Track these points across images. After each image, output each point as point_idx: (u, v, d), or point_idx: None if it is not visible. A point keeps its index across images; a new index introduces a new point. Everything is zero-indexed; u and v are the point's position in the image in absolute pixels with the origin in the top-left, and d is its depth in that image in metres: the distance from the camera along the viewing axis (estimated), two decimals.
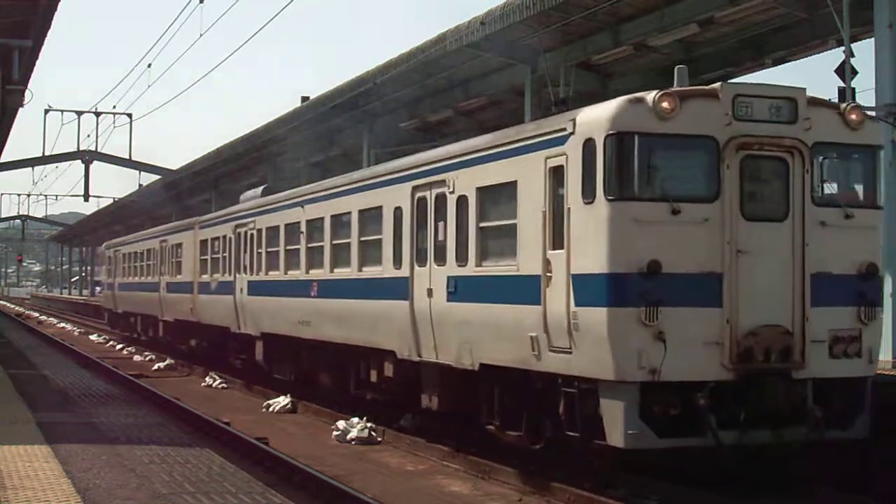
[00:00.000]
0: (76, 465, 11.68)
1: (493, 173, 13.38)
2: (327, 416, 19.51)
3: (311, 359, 20.73)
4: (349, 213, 18.09)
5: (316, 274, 19.58)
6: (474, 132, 22.76)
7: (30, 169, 54.52)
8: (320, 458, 15.41)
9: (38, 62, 22.56)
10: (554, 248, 11.71)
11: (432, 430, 16.25)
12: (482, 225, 13.60)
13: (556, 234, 11.72)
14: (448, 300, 14.28)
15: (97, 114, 47.92)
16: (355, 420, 17.46)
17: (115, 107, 51.89)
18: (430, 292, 14.72)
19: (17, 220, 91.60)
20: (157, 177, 52.01)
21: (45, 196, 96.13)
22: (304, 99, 30.85)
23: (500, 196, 13.30)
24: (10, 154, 71.15)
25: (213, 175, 43.75)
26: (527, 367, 12.36)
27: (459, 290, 13.99)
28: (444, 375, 14.59)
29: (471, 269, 13.74)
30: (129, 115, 48.15)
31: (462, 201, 13.98)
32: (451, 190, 14.28)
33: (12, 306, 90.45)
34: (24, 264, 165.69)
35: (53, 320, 64.69)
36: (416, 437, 16.48)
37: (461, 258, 13.95)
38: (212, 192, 47.14)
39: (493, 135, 14.05)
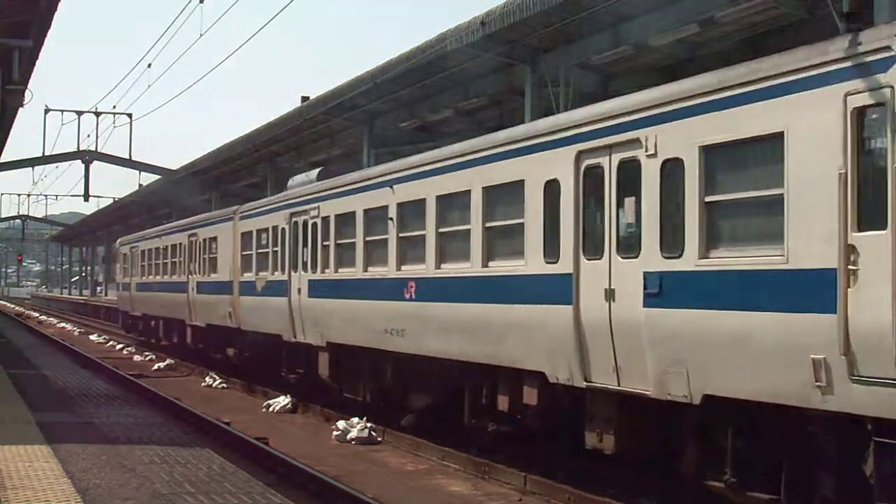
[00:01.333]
0: (76, 465, 11.68)
1: (733, 124, 9.61)
2: (327, 416, 19.52)
3: (399, 377, 17.06)
4: (466, 191, 14.24)
5: (413, 271, 15.83)
6: (474, 132, 22.78)
7: (30, 169, 54.45)
8: (320, 458, 15.42)
9: (38, 62, 22.56)
10: (862, 229, 8.31)
11: (432, 430, 16.25)
12: (712, 199, 9.88)
13: (868, 207, 8.31)
14: (646, 305, 10.55)
15: (97, 114, 47.80)
16: (355, 420, 17.46)
17: (115, 107, 51.75)
18: (608, 294, 11.15)
19: (17, 220, 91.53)
20: (157, 177, 51.95)
21: (45, 196, 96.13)
22: (304, 99, 30.80)
23: (745, 155, 9.62)
24: (10, 154, 71.22)
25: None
26: (803, 403, 8.79)
27: (667, 291, 10.28)
28: (629, 408, 11.27)
29: (689, 262, 10.01)
30: (129, 115, 48.09)
31: (671, 168, 10.38)
32: (649, 152, 10.67)
33: (12, 306, 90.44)
34: (24, 264, 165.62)
35: (53, 320, 64.69)
36: (416, 437, 16.48)
37: (671, 246, 10.29)
38: (212, 192, 47.10)
39: (733, 69, 10.11)
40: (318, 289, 19.69)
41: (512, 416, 13.60)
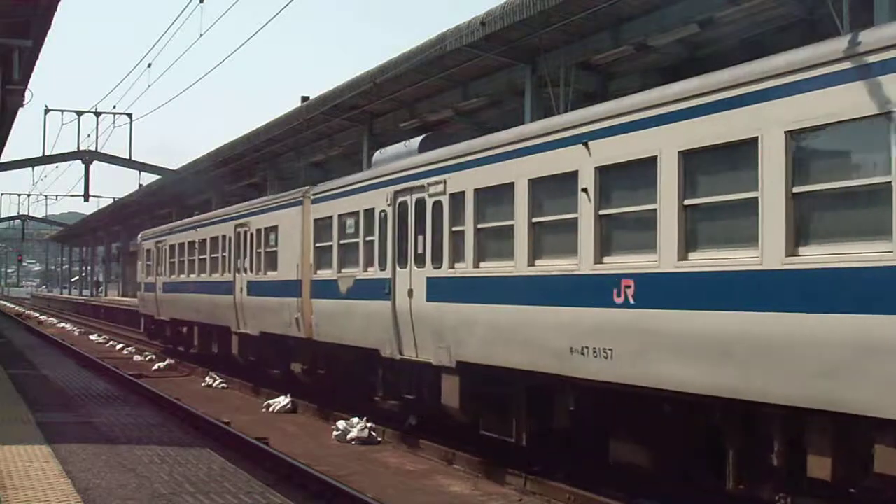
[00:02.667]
0: (76, 465, 11.68)
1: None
2: (327, 416, 19.52)
3: (588, 414, 12.34)
4: (753, 139, 9.39)
5: (628, 264, 11.06)
6: (474, 132, 22.78)
7: (30, 169, 54.52)
8: (320, 458, 15.43)
9: (38, 62, 22.55)
10: None
11: (432, 431, 16.25)
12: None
13: None
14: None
15: (97, 114, 47.96)
16: (355, 420, 17.46)
17: (115, 107, 51.88)
18: None
19: (17, 220, 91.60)
20: (157, 176, 52.00)
21: (45, 196, 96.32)
22: (304, 99, 30.81)
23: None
24: (10, 154, 71.25)
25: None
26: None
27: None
28: None
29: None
30: (129, 115, 48.19)
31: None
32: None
33: (12, 306, 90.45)
34: (24, 264, 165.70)
35: (53, 320, 64.69)
36: (416, 437, 16.48)
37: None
38: (213, 192, 47.12)
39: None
40: (444, 290, 14.73)
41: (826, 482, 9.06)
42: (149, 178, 52.91)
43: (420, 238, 15.67)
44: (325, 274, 19.45)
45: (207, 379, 26.70)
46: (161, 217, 62.32)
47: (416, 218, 15.77)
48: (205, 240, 28.75)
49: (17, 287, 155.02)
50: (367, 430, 17.13)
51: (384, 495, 12.54)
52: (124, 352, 37.45)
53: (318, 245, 19.98)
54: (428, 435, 16.19)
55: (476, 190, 14.12)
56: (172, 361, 31.82)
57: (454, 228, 14.62)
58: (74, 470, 11.30)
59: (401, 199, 16.38)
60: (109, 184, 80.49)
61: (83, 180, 49.22)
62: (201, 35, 24.23)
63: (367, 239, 17.59)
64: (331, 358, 19.77)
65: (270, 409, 21.24)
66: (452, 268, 14.62)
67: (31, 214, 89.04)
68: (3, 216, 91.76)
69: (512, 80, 21.73)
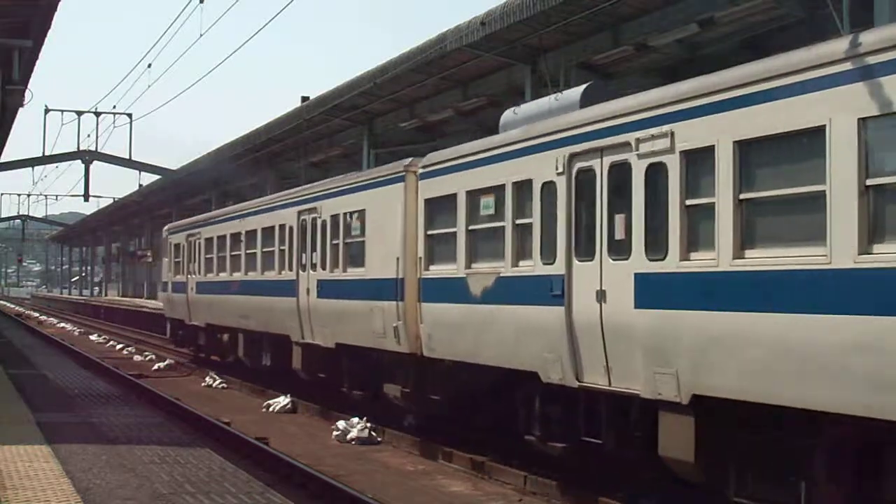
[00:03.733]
0: (76, 465, 11.68)
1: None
2: (327, 416, 19.51)
3: None
4: None
5: None
6: (474, 132, 22.79)
7: (30, 169, 54.59)
8: (320, 458, 15.43)
9: (38, 62, 22.57)
10: None
11: (432, 431, 16.25)
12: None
13: None
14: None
15: (97, 114, 48.04)
16: (355, 420, 17.46)
17: (115, 107, 51.93)
18: None
19: (17, 220, 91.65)
20: (157, 176, 52.05)
21: (45, 196, 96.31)
22: (304, 99, 30.83)
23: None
24: (10, 154, 71.27)
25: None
26: None
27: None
28: None
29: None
30: (129, 115, 48.25)
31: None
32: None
33: (12, 306, 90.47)
34: (24, 264, 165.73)
35: (53, 320, 64.69)
36: (416, 437, 16.49)
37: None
38: (212, 191, 47.12)
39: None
40: (674, 291, 10.38)
41: None
42: (148, 178, 53.04)
43: (620, 218, 11.20)
44: (442, 270, 15.05)
45: (207, 379, 26.69)
46: (161, 217, 62.47)
47: (611, 189, 11.37)
48: (254, 231, 24.08)
49: (17, 287, 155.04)
50: (367, 430, 17.12)
51: (384, 495, 12.54)
52: (124, 352, 37.44)
53: (430, 233, 15.56)
54: (428, 435, 16.19)
55: (740, 143, 9.53)
56: (172, 361, 31.80)
57: (691, 202, 10.19)
58: (74, 470, 11.29)
59: (581, 164, 11.81)
60: (109, 184, 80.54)
61: (83, 180, 49.28)
62: (201, 35, 24.25)
63: (520, 222, 13.04)
64: (451, 381, 15.21)
65: (270, 409, 21.24)
66: (687, 259, 10.19)
67: (31, 214, 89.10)
68: (3, 216, 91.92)
69: (512, 80, 21.74)
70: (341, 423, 17.48)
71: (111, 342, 42.91)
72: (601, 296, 11.32)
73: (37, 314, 74.24)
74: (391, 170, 17.19)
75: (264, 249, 23.33)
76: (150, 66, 34.83)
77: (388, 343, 16.49)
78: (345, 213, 18.70)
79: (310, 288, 19.97)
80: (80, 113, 48.26)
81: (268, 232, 23.06)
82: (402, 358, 16.26)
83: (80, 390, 21.02)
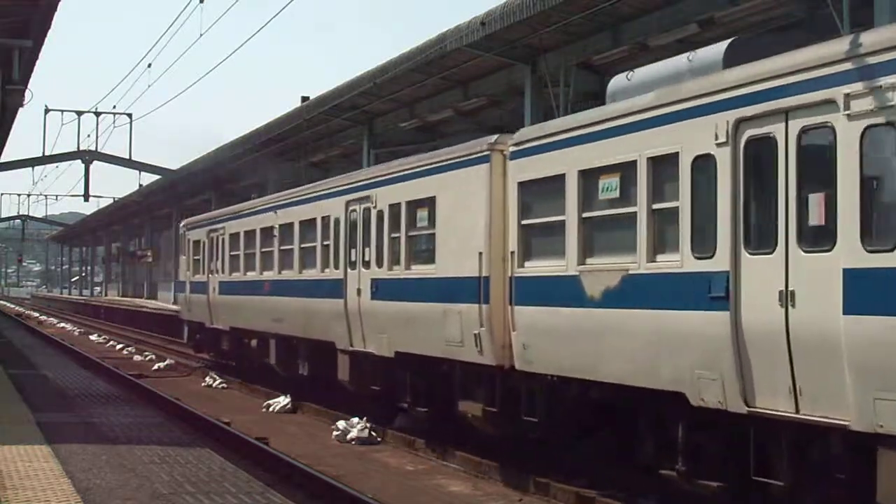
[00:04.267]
0: (76, 465, 11.68)
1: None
2: (327, 416, 19.50)
3: None
4: None
5: None
6: (474, 132, 22.77)
7: (30, 169, 54.62)
8: (320, 458, 15.43)
9: (38, 62, 22.58)
10: None
11: (432, 431, 16.24)
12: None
13: None
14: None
15: (97, 114, 48.06)
16: (355, 420, 17.46)
17: (115, 107, 51.96)
18: None
19: (17, 220, 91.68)
20: (157, 176, 52.07)
21: (45, 196, 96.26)
22: (304, 98, 30.83)
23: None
24: (10, 154, 71.21)
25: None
26: None
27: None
28: None
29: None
30: (129, 115, 48.27)
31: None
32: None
33: (12, 306, 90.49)
34: (24, 264, 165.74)
35: (53, 320, 64.70)
36: (415, 437, 16.48)
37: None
38: (212, 192, 47.14)
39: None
40: None
41: None
42: (148, 178, 53.06)
43: (817, 197, 8.79)
44: (543, 267, 12.64)
45: (207, 379, 26.69)
46: (161, 217, 62.50)
47: (802, 160, 8.94)
48: (290, 224, 21.42)
49: (17, 287, 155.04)
50: (367, 430, 17.12)
51: (384, 495, 12.54)
52: (124, 352, 37.45)
53: (526, 223, 13.07)
54: (428, 435, 16.19)
55: None
56: (172, 361, 31.80)
57: None
58: (74, 470, 11.29)
59: (753, 131, 9.41)
60: (109, 184, 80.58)
61: (83, 180, 49.30)
62: (201, 35, 24.25)
63: (658, 207, 10.67)
64: (553, 399, 12.79)
65: (270, 409, 21.23)
66: None
67: (31, 214, 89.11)
68: (3, 216, 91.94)
69: (512, 80, 21.75)
70: (341, 423, 17.47)
71: (111, 342, 42.91)
72: (787, 298, 8.92)
73: (37, 314, 74.24)
74: (471, 149, 14.47)
75: (303, 245, 20.77)
76: (150, 65, 34.80)
77: (465, 353, 14.03)
78: (409, 202, 16.13)
79: (361, 288, 17.54)
80: (80, 113, 48.33)
81: (307, 225, 20.48)
82: (486, 371, 13.78)
83: (80, 390, 21.02)
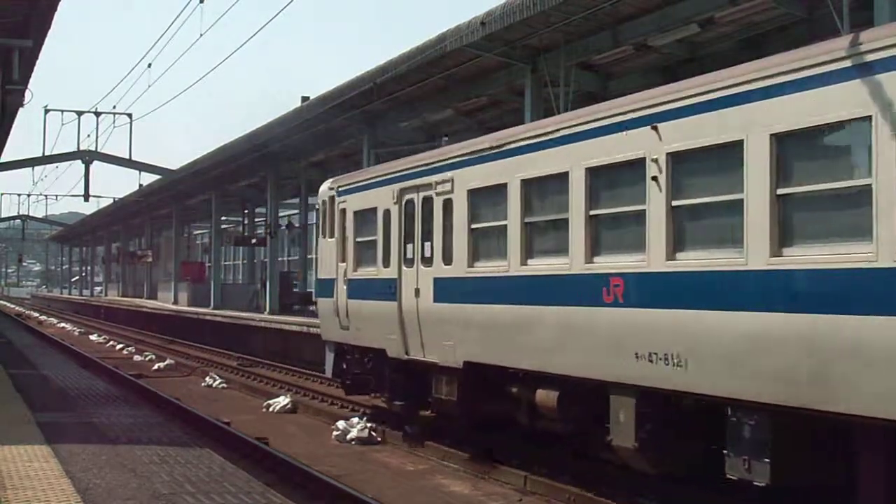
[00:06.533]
0: (76, 465, 11.67)
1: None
2: (327, 416, 19.51)
3: None
4: None
5: None
6: (474, 132, 22.80)
7: (30, 169, 54.57)
8: (320, 458, 15.42)
9: (38, 62, 22.58)
10: None
11: (432, 431, 16.24)
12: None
13: None
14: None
15: (97, 114, 47.98)
16: (355, 420, 17.46)
17: (115, 107, 51.90)
18: None
19: (17, 220, 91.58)
20: (158, 176, 52.05)
21: (45, 196, 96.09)
22: (305, 99, 30.83)
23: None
24: (10, 154, 71.33)
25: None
26: None
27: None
28: None
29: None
30: (129, 115, 48.22)
31: None
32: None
33: (12, 306, 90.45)
34: (24, 264, 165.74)
35: (53, 320, 64.69)
36: (416, 437, 16.48)
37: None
38: (212, 192, 47.13)
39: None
40: None
41: None
42: (148, 178, 53.02)
43: None
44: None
45: (207, 379, 26.69)
46: (161, 217, 62.49)
47: None
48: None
49: (17, 287, 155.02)
50: (367, 430, 17.11)
51: (384, 495, 12.53)
52: (124, 352, 37.45)
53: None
54: (428, 435, 16.19)
55: None
56: (172, 361, 31.79)
57: None
58: (74, 470, 11.29)
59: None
60: (109, 184, 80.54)
61: (83, 180, 49.25)
62: (201, 35, 24.22)
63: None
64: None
65: (270, 409, 21.23)
66: None
67: (31, 214, 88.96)
68: (3, 216, 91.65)
69: (512, 80, 21.76)
70: (341, 423, 17.47)
71: (111, 342, 42.90)
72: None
73: (37, 314, 74.23)
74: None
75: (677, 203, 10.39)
76: (150, 65, 34.77)
77: None
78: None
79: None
80: (80, 113, 48.23)
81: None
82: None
83: (80, 390, 21.00)
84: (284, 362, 30.16)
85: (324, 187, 19.47)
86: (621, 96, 12.03)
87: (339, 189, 18.60)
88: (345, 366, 18.52)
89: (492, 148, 13.66)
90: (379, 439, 17.06)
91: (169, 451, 13.02)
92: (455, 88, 23.94)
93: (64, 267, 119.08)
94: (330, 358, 19.12)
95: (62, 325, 59.02)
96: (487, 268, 13.68)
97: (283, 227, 45.87)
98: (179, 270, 55.96)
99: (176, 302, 53.40)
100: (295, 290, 43.09)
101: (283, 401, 21.30)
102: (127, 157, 51.50)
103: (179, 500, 10.13)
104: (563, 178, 11.90)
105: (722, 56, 18.61)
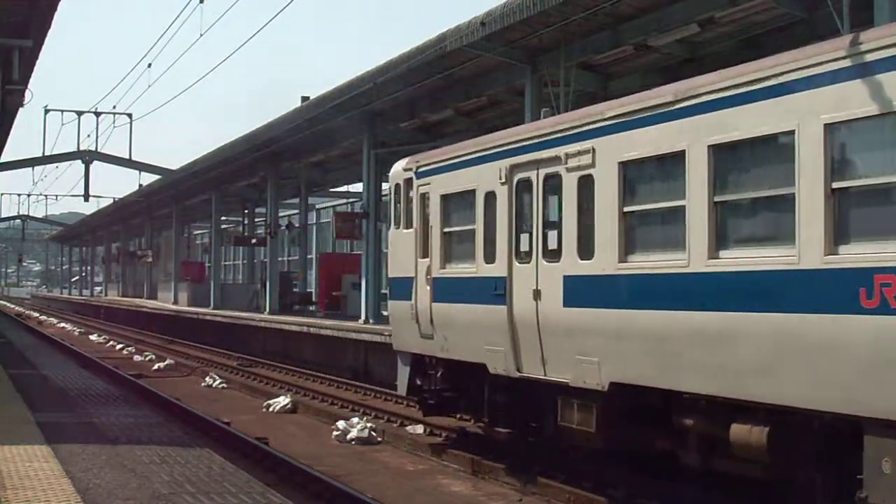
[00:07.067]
0: (76, 465, 11.66)
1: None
2: (327, 416, 19.52)
3: None
4: None
5: None
6: (474, 132, 22.79)
7: (30, 169, 54.55)
8: (320, 458, 15.42)
9: (38, 62, 22.57)
10: None
11: (432, 431, 16.24)
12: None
13: None
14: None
15: (97, 114, 47.96)
16: (355, 420, 17.47)
17: (115, 107, 51.88)
18: None
19: (17, 220, 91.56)
20: (158, 176, 52.04)
21: (45, 196, 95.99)
22: (305, 98, 30.82)
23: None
24: (10, 154, 71.25)
25: None
26: None
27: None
28: None
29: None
30: (129, 115, 48.20)
31: None
32: None
33: (12, 306, 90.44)
34: (24, 264, 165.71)
35: (53, 320, 64.69)
36: (416, 437, 16.48)
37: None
38: (213, 192, 47.12)
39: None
40: None
41: None
42: (149, 178, 53.01)
43: None
44: None
45: (207, 379, 26.69)
46: (161, 217, 62.49)
47: None
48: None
49: (17, 287, 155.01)
50: (367, 430, 17.12)
51: (384, 495, 12.53)
52: (124, 352, 37.46)
53: None
54: (428, 435, 16.19)
55: None
56: (172, 361, 31.78)
57: None
58: (74, 470, 11.28)
59: None
60: (109, 184, 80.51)
61: (83, 180, 49.23)
62: (201, 35, 24.22)
63: None
64: None
65: (270, 409, 21.23)
66: None
67: (31, 214, 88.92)
68: (3, 216, 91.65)
69: (512, 80, 21.75)
70: (341, 423, 17.48)
71: (111, 342, 42.91)
72: None
73: (37, 314, 74.23)
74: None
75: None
76: (150, 65, 34.74)
77: None
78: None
79: None
80: (80, 113, 48.20)
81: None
82: None
83: (80, 390, 20.99)
84: (284, 362, 30.20)
85: (397, 168, 16.36)
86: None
87: (419, 169, 15.44)
88: (423, 381, 15.57)
89: (663, 105, 10.47)
90: (379, 439, 17.07)
91: (169, 451, 13.01)
92: (455, 88, 23.93)
93: (64, 267, 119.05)
94: (404, 372, 15.99)
95: (62, 325, 59.02)
96: (652, 263, 10.51)
97: (283, 227, 45.92)
98: (179, 270, 55.95)
99: (176, 302, 53.38)
100: (295, 289, 43.16)
101: (283, 401, 21.30)
102: (127, 157, 51.51)
103: (179, 500, 10.13)
104: (781, 140, 8.99)
105: (722, 56, 18.64)
